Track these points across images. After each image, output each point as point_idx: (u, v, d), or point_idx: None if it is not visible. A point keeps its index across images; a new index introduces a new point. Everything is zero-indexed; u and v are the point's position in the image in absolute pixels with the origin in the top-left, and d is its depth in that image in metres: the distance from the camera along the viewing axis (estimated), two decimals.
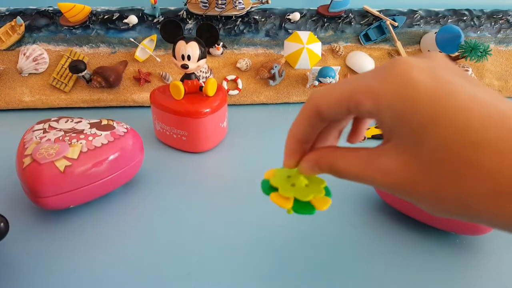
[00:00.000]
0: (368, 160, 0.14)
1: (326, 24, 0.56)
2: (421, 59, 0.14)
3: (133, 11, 0.52)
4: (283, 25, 0.55)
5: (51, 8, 0.52)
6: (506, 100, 0.13)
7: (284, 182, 0.24)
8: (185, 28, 0.53)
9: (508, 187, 0.11)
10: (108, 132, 0.33)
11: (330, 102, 0.15)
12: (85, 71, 0.50)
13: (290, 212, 0.22)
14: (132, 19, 0.52)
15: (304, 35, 0.52)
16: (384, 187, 0.14)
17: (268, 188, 0.24)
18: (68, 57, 0.51)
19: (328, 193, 0.24)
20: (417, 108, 0.12)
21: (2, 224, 0.24)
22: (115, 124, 0.35)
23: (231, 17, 0.53)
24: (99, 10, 0.52)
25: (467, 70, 0.57)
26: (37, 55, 0.51)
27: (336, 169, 0.16)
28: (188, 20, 0.53)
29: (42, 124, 0.35)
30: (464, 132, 0.12)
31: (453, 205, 0.12)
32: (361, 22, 0.57)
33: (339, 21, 0.56)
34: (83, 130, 0.33)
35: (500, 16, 0.59)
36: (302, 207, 0.22)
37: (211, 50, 0.54)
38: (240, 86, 0.55)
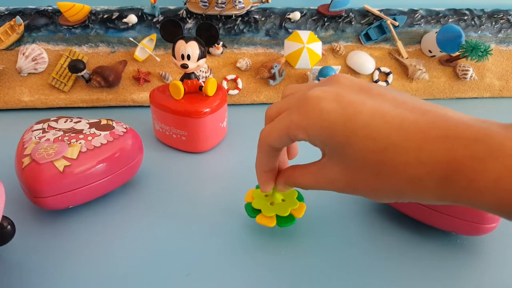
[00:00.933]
0: (317, 173, 0.19)
1: (326, 24, 0.56)
2: (327, 87, 0.17)
3: (132, 10, 0.52)
4: (283, 24, 0.55)
5: (50, 8, 0.52)
6: (406, 101, 0.16)
7: (264, 203, 0.28)
8: (185, 27, 0.53)
9: (416, 174, 0.15)
10: (108, 132, 0.33)
11: (276, 138, 0.20)
12: (85, 71, 0.50)
13: (273, 226, 0.28)
14: (132, 19, 0.52)
15: (305, 34, 0.51)
16: (334, 191, 0.18)
17: (252, 211, 0.29)
18: (68, 56, 0.51)
19: (301, 199, 0.30)
20: (334, 133, 0.16)
21: (9, 226, 0.24)
22: (114, 124, 0.35)
23: (231, 16, 0.53)
24: (98, 9, 0.52)
25: (467, 70, 0.57)
26: (36, 55, 0.51)
27: (299, 185, 0.21)
28: (187, 19, 0.53)
29: (41, 124, 0.35)
30: (373, 142, 0.15)
31: (386, 194, 0.16)
32: (362, 22, 0.57)
33: (340, 20, 0.56)
34: (82, 130, 0.33)
35: (501, 15, 0.59)
36: (284, 220, 0.28)
37: (211, 49, 0.54)
38: (240, 85, 0.55)
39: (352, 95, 0.16)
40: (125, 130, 0.35)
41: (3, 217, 0.25)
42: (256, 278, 0.26)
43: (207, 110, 0.40)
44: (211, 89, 0.41)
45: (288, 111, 0.18)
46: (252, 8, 0.53)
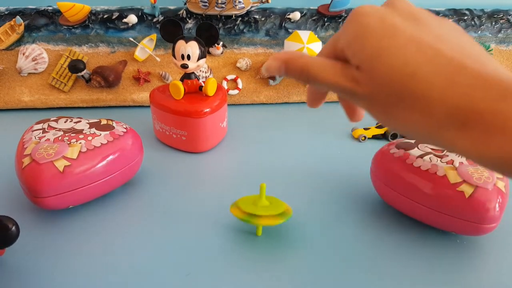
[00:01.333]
0: (342, 69, 0.17)
1: (326, 24, 0.56)
2: (379, 6, 0.17)
3: (132, 10, 0.52)
4: (283, 24, 0.55)
5: (50, 8, 0.52)
6: (451, 40, 0.15)
7: (255, 208, 0.28)
8: (185, 27, 0.53)
9: (434, 112, 0.14)
10: (108, 132, 0.33)
11: (325, 50, 0.19)
12: (85, 71, 0.50)
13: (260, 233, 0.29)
14: (132, 19, 0.52)
15: (305, 34, 0.51)
16: (350, 94, 0.17)
17: (248, 216, 0.28)
18: (68, 56, 0.51)
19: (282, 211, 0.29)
20: (367, 44, 0.16)
21: (13, 228, 0.24)
22: (114, 124, 0.35)
23: (231, 16, 0.53)
24: (98, 9, 0.52)
25: None
26: (36, 55, 0.51)
27: (308, 73, 0.18)
28: (187, 19, 0.53)
29: (42, 124, 0.35)
30: (403, 64, 0.15)
31: (400, 120, 0.16)
32: None
33: (340, 20, 0.56)
34: (83, 130, 0.33)
35: (500, 15, 0.59)
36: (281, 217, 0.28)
37: (211, 49, 0.54)
38: (240, 85, 0.55)
39: (398, 19, 0.16)
40: (125, 130, 0.35)
41: (8, 218, 0.24)
42: (256, 277, 0.26)
43: (207, 110, 0.40)
44: (211, 89, 0.41)
45: (350, 17, 0.18)
46: (252, 8, 0.53)
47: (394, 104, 0.15)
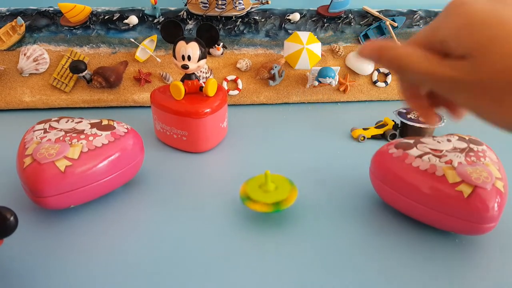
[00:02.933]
0: (440, 60, 0.16)
1: (326, 25, 0.56)
2: None
3: (133, 11, 0.53)
4: (283, 25, 0.55)
5: (51, 9, 0.52)
6: None
7: (259, 193, 0.30)
8: (185, 28, 0.53)
9: None
10: (109, 132, 0.33)
11: (422, 41, 0.18)
12: (86, 71, 0.50)
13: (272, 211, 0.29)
14: (133, 20, 0.52)
15: (304, 35, 0.52)
16: (452, 84, 0.16)
17: (248, 200, 0.30)
18: (69, 57, 0.52)
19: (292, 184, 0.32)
20: (477, 31, 0.15)
21: (12, 218, 0.24)
22: (115, 124, 0.35)
23: (231, 17, 0.54)
24: (99, 10, 0.52)
25: None
26: (37, 55, 0.51)
27: (400, 62, 0.17)
28: (188, 20, 0.53)
29: (43, 124, 0.35)
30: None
31: (505, 119, 0.15)
32: (361, 23, 0.57)
33: (339, 21, 0.56)
34: (84, 130, 0.33)
35: None
36: (282, 205, 0.29)
37: (211, 50, 0.54)
38: (240, 86, 0.55)
39: (499, 5, 0.15)
40: (126, 130, 0.35)
41: (6, 208, 0.24)
42: (256, 277, 0.26)
43: (208, 110, 0.40)
44: (211, 90, 0.41)
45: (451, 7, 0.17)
46: (252, 9, 0.54)
47: (498, 96, 0.14)
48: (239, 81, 0.55)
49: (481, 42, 0.15)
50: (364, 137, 0.46)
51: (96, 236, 0.30)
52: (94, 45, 0.53)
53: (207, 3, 0.51)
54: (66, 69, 0.51)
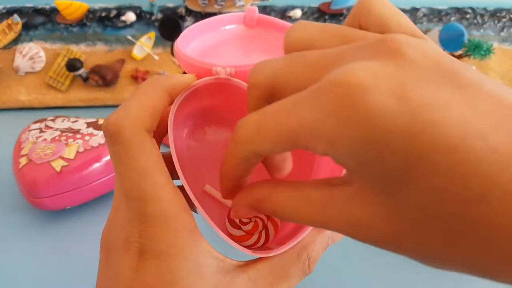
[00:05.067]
0: (326, 206, 0.10)
1: (327, 22, 0.56)
2: (380, 62, 0.09)
3: (130, 8, 0.52)
4: None
5: (48, 6, 0.51)
6: None
7: None
8: (184, 25, 0.53)
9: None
10: None
11: (269, 143, 0.11)
12: (82, 70, 0.49)
13: None
14: (130, 17, 0.51)
15: None
16: (358, 240, 0.10)
17: None
18: (65, 55, 0.51)
19: None
20: (388, 153, 0.08)
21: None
22: None
23: None
24: (96, 7, 0.52)
25: None
26: (33, 54, 0.50)
27: (284, 216, 0.12)
28: (186, 17, 0.53)
29: (39, 123, 0.34)
30: (461, 182, 0.08)
31: (455, 265, 0.09)
32: None
33: (341, 18, 0.56)
34: (80, 129, 0.33)
35: (503, 14, 0.59)
36: None
37: None
38: None
39: (426, 88, 0.09)
40: None
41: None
42: None
43: None
44: None
45: (297, 96, 0.10)
46: (252, 6, 0.53)
47: (438, 240, 0.09)
48: None
49: (394, 172, 0.09)
50: None
51: (93, 238, 0.29)
52: (90, 43, 0.52)
53: (206, 0, 0.50)
54: (62, 67, 0.51)
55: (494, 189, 0.08)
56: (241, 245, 0.15)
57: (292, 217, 0.12)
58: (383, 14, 0.11)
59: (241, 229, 0.17)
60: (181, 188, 0.14)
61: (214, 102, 0.18)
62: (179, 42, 0.18)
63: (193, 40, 0.19)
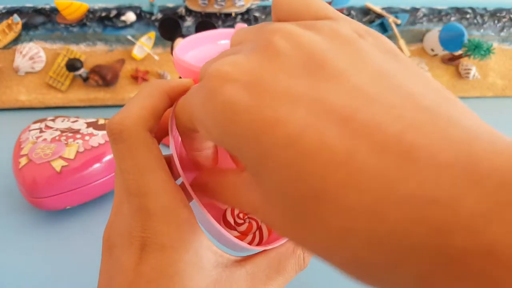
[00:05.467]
0: (238, 188, 0.11)
1: None
2: (248, 55, 0.09)
3: (130, 8, 0.52)
4: None
5: (48, 6, 0.51)
6: (388, 97, 0.08)
7: None
8: (184, 25, 0.53)
9: (364, 257, 0.08)
10: (105, 132, 0.33)
11: (184, 119, 0.13)
12: (82, 70, 0.49)
13: None
14: (130, 17, 0.51)
15: None
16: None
17: None
18: (65, 55, 0.51)
19: None
20: (244, 146, 0.09)
21: None
22: None
23: (231, 14, 0.53)
24: (96, 7, 0.52)
25: (470, 69, 0.57)
26: (33, 54, 0.50)
27: (219, 198, 0.13)
28: (186, 17, 0.53)
29: (39, 123, 0.34)
30: (296, 180, 0.08)
31: (314, 249, 0.09)
32: (363, 20, 0.56)
33: None
34: (80, 129, 0.33)
35: (503, 14, 0.59)
36: None
37: None
38: None
39: (282, 80, 0.09)
40: None
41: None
42: None
43: None
44: None
45: (203, 80, 0.11)
46: (252, 6, 0.53)
47: (297, 226, 0.09)
48: None
49: (252, 160, 0.09)
50: None
51: (93, 238, 0.29)
52: (90, 43, 0.52)
53: (206, 0, 0.50)
54: (62, 67, 0.51)
55: (326, 190, 0.08)
56: (244, 246, 0.15)
57: (221, 199, 0.13)
58: (292, 4, 0.11)
59: (236, 229, 0.17)
60: (182, 186, 0.15)
61: None
62: (178, 50, 0.18)
63: (191, 50, 0.20)
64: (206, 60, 0.13)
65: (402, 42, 0.56)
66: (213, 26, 0.39)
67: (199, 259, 0.13)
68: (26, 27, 0.50)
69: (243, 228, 0.16)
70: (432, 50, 0.56)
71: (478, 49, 0.50)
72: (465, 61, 0.57)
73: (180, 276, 0.12)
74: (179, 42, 0.32)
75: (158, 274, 0.12)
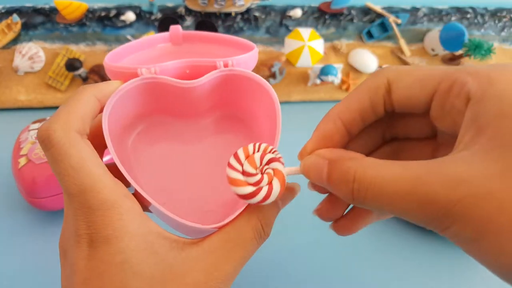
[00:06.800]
0: (425, 171, 0.09)
1: (327, 22, 0.55)
2: None
3: (130, 8, 0.52)
4: (283, 22, 0.54)
5: (47, 6, 0.51)
6: None
7: None
8: (184, 25, 0.52)
9: None
10: None
11: (411, 79, 0.11)
12: (82, 69, 0.49)
13: None
14: (129, 16, 0.51)
15: (305, 32, 0.51)
16: (446, 206, 0.09)
17: None
18: (64, 55, 0.51)
19: None
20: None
21: None
22: None
23: (230, 14, 0.53)
24: (96, 7, 0.52)
25: None
26: (33, 53, 0.50)
27: (364, 182, 0.10)
28: (186, 17, 0.53)
29: (38, 123, 0.34)
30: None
31: None
32: (364, 20, 0.56)
33: (341, 18, 0.55)
34: None
35: (504, 14, 0.59)
36: None
37: None
38: None
39: None
40: None
41: None
42: (256, 278, 0.25)
43: None
44: None
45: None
46: (252, 6, 0.53)
47: None
48: None
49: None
50: None
51: None
52: (90, 43, 0.52)
53: None
54: (62, 67, 0.51)
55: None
56: (237, 192, 0.15)
57: (376, 183, 0.10)
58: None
59: (243, 175, 0.15)
60: (137, 193, 0.15)
61: (153, 107, 0.19)
62: (108, 56, 0.19)
63: (126, 57, 0.21)
64: (144, 63, 0.14)
65: (402, 42, 0.56)
66: (213, 26, 0.39)
67: (149, 245, 0.13)
68: (25, 26, 0.50)
69: (252, 180, 0.15)
70: (433, 50, 0.56)
71: (479, 49, 0.50)
72: (465, 61, 0.57)
73: (129, 263, 0.12)
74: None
75: (107, 265, 0.12)
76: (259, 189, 0.15)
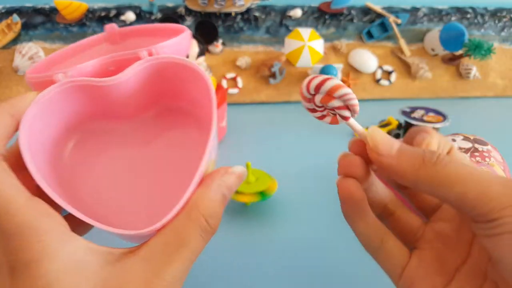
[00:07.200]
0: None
1: (327, 21, 0.55)
2: None
3: (130, 8, 0.52)
4: (283, 22, 0.54)
5: (47, 6, 0.51)
6: None
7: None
8: (184, 25, 0.52)
9: None
10: None
11: None
12: None
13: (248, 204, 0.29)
14: (129, 16, 0.51)
15: (305, 32, 0.51)
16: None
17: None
18: None
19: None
20: None
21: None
22: None
23: (231, 13, 0.53)
24: (95, 7, 0.52)
25: (470, 69, 0.57)
26: (33, 54, 0.50)
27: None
28: (186, 17, 0.53)
29: None
30: None
31: None
32: (364, 20, 0.56)
33: (341, 18, 0.55)
34: None
35: (503, 14, 0.59)
36: (263, 195, 0.30)
37: (210, 47, 0.53)
38: (239, 84, 0.54)
39: None
40: None
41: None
42: (256, 278, 0.25)
43: None
44: None
45: None
46: (252, 6, 0.53)
47: None
48: (238, 79, 0.54)
49: None
50: None
51: (94, 239, 0.29)
52: None
53: None
54: None
55: None
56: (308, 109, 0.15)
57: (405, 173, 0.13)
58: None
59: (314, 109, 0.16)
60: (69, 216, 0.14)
61: (84, 114, 0.17)
62: (35, 65, 0.17)
63: (60, 63, 0.19)
64: (86, 69, 0.13)
65: (402, 42, 0.56)
66: (213, 26, 0.39)
67: (77, 263, 0.12)
68: (25, 27, 0.50)
69: (317, 114, 0.16)
70: (433, 50, 0.56)
71: (479, 49, 0.50)
72: (465, 61, 0.57)
73: (54, 286, 0.12)
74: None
75: None
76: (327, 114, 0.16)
